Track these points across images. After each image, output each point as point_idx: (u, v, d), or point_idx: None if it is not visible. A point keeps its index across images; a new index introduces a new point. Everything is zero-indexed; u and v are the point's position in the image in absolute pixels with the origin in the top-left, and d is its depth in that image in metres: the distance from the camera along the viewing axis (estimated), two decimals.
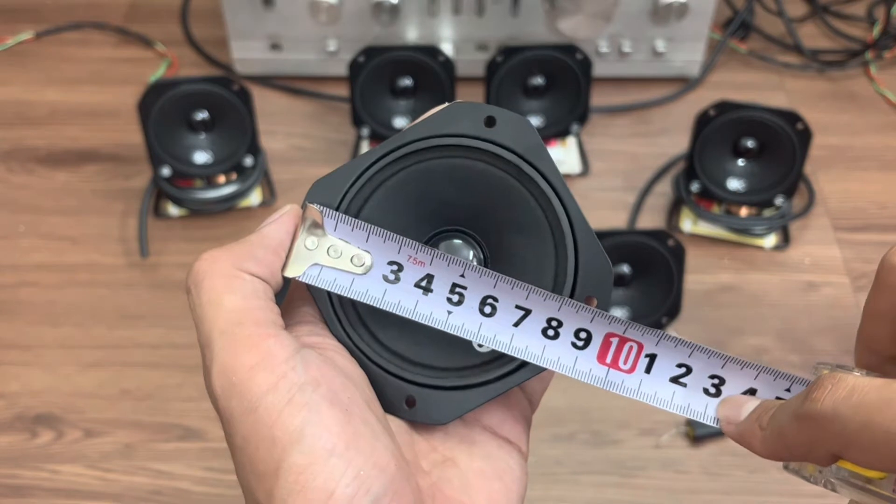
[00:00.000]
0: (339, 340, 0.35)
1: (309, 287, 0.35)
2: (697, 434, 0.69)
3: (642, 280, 0.75)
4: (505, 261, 0.36)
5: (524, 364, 0.34)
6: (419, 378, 0.35)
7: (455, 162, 0.35)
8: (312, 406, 0.30)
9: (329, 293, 0.35)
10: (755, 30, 1.05)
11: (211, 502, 0.66)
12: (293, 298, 0.36)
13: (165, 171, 0.81)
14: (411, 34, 0.95)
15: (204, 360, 0.32)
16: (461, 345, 0.35)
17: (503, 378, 0.34)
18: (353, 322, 0.35)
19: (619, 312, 0.75)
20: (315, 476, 0.29)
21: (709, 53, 1.00)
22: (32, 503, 0.66)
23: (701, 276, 0.80)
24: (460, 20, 0.94)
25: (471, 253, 0.36)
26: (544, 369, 0.34)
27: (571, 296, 0.34)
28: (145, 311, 0.78)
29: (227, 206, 0.84)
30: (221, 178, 0.83)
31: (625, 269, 0.75)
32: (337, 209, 0.35)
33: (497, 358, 0.34)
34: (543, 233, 0.35)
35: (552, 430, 0.70)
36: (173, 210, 0.85)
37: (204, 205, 0.84)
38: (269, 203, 0.86)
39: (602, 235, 0.73)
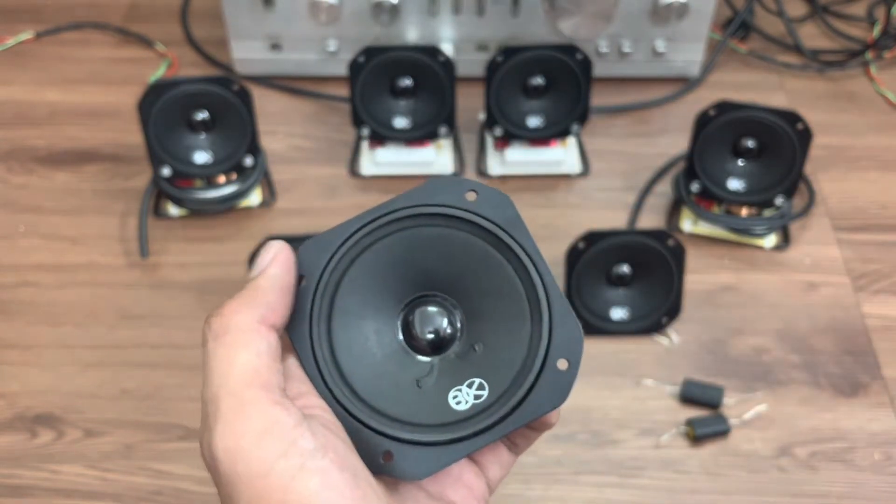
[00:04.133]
0: (321, 394, 0.37)
1: (294, 346, 0.37)
2: (697, 434, 0.69)
3: (642, 280, 0.75)
4: (482, 325, 0.38)
5: (499, 422, 0.36)
6: (397, 433, 0.36)
7: (437, 231, 0.38)
8: (324, 471, 0.31)
9: (313, 350, 0.37)
10: (755, 30, 1.05)
11: (211, 502, 0.66)
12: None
13: (165, 172, 0.81)
14: (411, 34, 0.95)
15: (206, 418, 0.33)
16: (438, 402, 0.37)
17: (478, 435, 0.36)
18: (334, 377, 0.37)
19: (619, 313, 0.75)
20: None
21: (709, 53, 1.00)
22: (32, 503, 0.66)
23: (701, 276, 0.80)
24: (460, 20, 0.94)
25: (445, 320, 0.38)
26: (517, 427, 0.36)
27: (545, 357, 0.36)
28: (145, 311, 0.78)
29: (227, 206, 0.84)
30: (221, 178, 0.83)
31: (625, 269, 0.75)
32: (324, 269, 0.38)
33: (473, 416, 0.36)
34: (519, 299, 0.37)
35: (552, 430, 0.70)
36: (173, 210, 0.85)
37: (204, 205, 0.84)
38: (268, 203, 0.86)
39: (602, 235, 0.73)
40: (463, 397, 0.36)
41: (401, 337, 0.38)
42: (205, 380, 0.33)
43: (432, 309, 0.38)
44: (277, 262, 0.36)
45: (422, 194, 0.38)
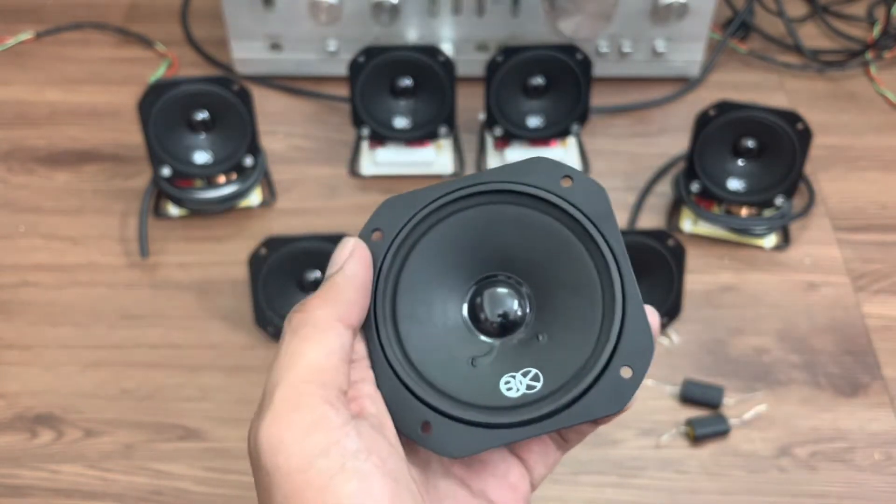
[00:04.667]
0: (371, 349, 0.36)
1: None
2: (697, 434, 0.69)
3: (643, 280, 0.75)
4: (552, 316, 0.36)
5: (547, 417, 0.34)
6: (441, 405, 0.35)
7: (523, 211, 0.36)
8: (364, 474, 0.31)
9: (375, 306, 0.36)
10: (755, 30, 1.05)
11: (211, 502, 0.66)
12: None
13: (165, 172, 0.81)
14: (411, 34, 0.95)
15: (260, 405, 0.32)
16: (489, 384, 0.35)
17: (523, 425, 0.34)
18: (389, 337, 0.36)
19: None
20: None
21: (709, 53, 1.00)
22: (32, 503, 0.66)
23: (701, 276, 0.80)
24: (460, 20, 0.94)
25: (515, 304, 0.36)
26: (563, 426, 0.34)
27: (608, 362, 0.34)
28: (145, 311, 0.78)
29: (227, 206, 0.84)
30: (221, 178, 0.83)
31: None
32: (402, 228, 0.37)
33: (521, 405, 0.35)
34: (595, 296, 0.35)
35: None
36: (173, 210, 0.85)
37: (204, 205, 0.84)
38: (268, 203, 0.86)
39: None
40: (515, 384, 0.35)
41: (466, 312, 0.37)
42: (270, 370, 0.33)
43: (503, 290, 0.37)
44: (355, 259, 0.36)
45: (515, 172, 0.37)
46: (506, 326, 0.36)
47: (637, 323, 0.34)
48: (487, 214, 0.37)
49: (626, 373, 0.34)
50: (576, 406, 0.34)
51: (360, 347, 0.36)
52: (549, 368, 0.35)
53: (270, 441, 0.31)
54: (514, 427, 0.34)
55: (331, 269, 0.36)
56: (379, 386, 0.36)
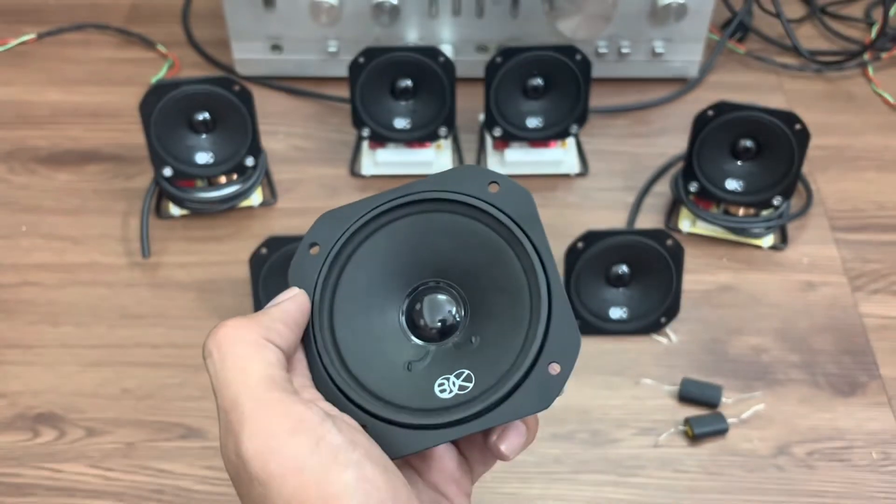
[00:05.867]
0: (309, 357, 0.37)
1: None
2: (696, 433, 0.69)
3: (641, 280, 0.76)
4: (484, 318, 0.37)
5: (477, 416, 0.35)
6: (376, 409, 0.36)
7: (454, 218, 0.38)
8: (357, 464, 0.32)
9: (312, 316, 0.37)
10: (753, 31, 1.05)
11: (212, 501, 0.66)
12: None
13: (167, 172, 0.81)
14: (411, 35, 0.95)
15: (229, 424, 0.33)
16: (423, 387, 0.36)
17: (455, 425, 0.35)
18: (327, 345, 0.37)
19: (618, 312, 0.76)
20: None
21: (707, 54, 1.00)
22: (34, 502, 0.66)
23: (699, 276, 0.80)
24: (460, 21, 0.95)
25: (453, 310, 0.38)
26: (494, 425, 0.36)
27: (535, 359, 0.35)
28: (146, 310, 0.78)
29: (228, 206, 0.85)
30: (222, 179, 0.84)
31: (623, 269, 0.75)
32: (337, 240, 0.38)
33: (453, 406, 0.36)
34: (522, 297, 0.36)
35: (551, 429, 0.70)
36: (174, 210, 0.85)
37: (205, 205, 0.84)
38: (269, 203, 0.86)
39: (601, 235, 0.74)
40: (448, 386, 0.36)
41: (403, 319, 0.38)
42: (218, 390, 0.34)
43: (442, 297, 0.38)
44: (293, 301, 0.37)
45: (444, 180, 0.38)
46: (444, 332, 0.38)
47: (563, 321, 0.36)
48: (420, 223, 0.38)
49: (553, 369, 0.35)
50: (504, 405, 0.35)
51: (300, 355, 0.37)
52: (481, 369, 0.36)
53: (258, 451, 0.32)
54: (445, 427, 0.35)
55: (267, 305, 0.37)
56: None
